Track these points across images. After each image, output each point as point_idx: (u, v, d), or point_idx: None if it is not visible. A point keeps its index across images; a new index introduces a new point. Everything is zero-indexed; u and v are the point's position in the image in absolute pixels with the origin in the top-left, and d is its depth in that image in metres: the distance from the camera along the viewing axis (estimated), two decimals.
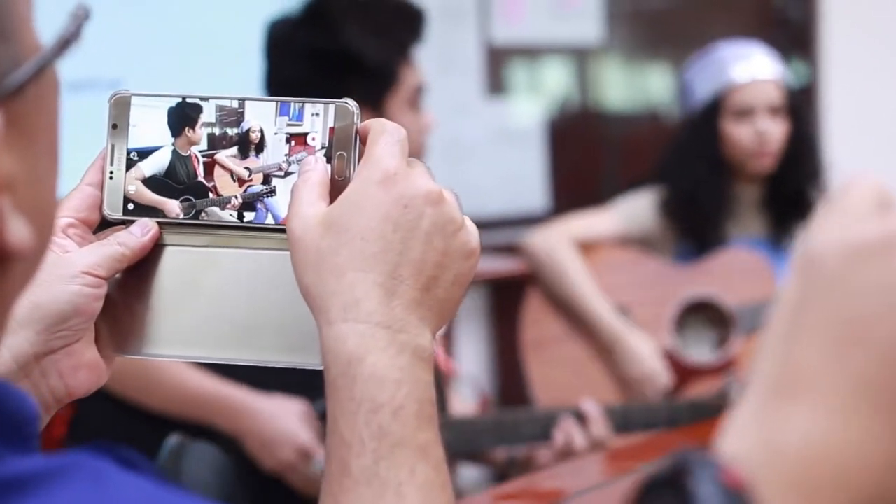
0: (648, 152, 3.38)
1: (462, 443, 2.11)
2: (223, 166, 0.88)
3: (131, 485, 0.57)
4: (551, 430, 2.14)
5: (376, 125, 0.84)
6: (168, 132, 0.88)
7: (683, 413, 2.24)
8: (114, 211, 0.89)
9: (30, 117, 0.59)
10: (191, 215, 0.88)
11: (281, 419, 1.99)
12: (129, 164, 0.89)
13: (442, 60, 4.13)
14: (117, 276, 0.88)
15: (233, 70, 3.08)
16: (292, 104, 0.87)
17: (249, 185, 0.88)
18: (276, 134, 0.87)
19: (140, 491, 0.57)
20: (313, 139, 0.87)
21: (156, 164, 0.88)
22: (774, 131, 2.74)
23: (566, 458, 2.11)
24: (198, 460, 1.96)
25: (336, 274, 0.80)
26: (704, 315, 2.76)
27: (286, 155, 0.87)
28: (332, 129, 0.86)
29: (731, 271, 2.74)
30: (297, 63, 2.16)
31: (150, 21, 3.54)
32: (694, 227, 2.79)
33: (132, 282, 0.89)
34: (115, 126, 0.89)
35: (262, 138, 0.87)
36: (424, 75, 2.27)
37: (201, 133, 0.88)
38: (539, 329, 2.80)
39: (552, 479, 2.04)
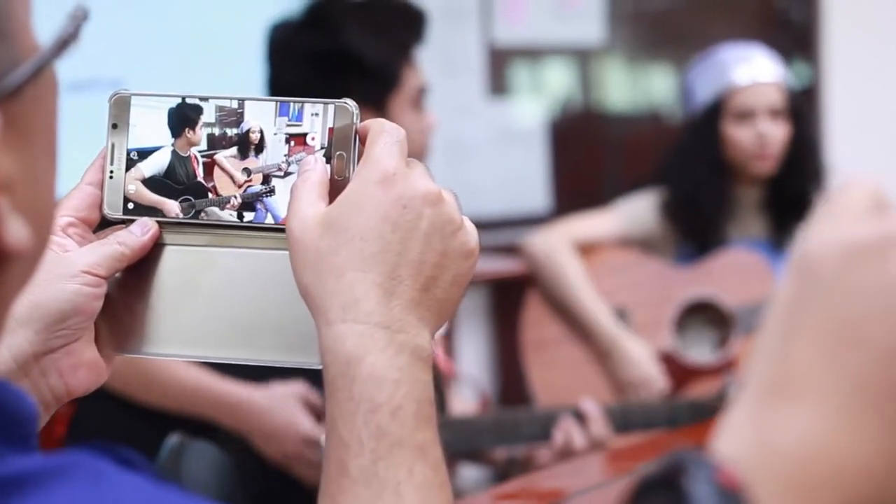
0: (650, 153, 3.39)
1: (462, 442, 2.11)
2: (222, 168, 0.88)
3: (129, 484, 0.58)
4: (551, 430, 2.14)
5: (375, 125, 0.84)
6: (168, 133, 0.88)
7: (683, 413, 2.24)
8: (114, 210, 0.89)
9: (28, 118, 0.59)
10: (190, 215, 0.88)
11: (280, 411, 1.98)
12: (130, 163, 0.89)
13: (444, 61, 4.13)
14: (117, 275, 0.88)
15: (233, 70, 3.09)
16: (292, 104, 0.87)
17: (249, 185, 0.88)
18: (275, 134, 0.87)
19: (138, 490, 0.58)
20: (313, 139, 0.87)
21: (155, 164, 0.89)
22: (775, 134, 2.74)
23: (566, 458, 2.11)
24: (198, 459, 1.96)
25: (335, 274, 0.80)
26: (704, 316, 2.76)
27: (286, 155, 0.87)
28: (331, 130, 0.87)
29: (731, 272, 2.74)
30: (298, 66, 2.16)
31: (151, 21, 3.54)
32: (694, 229, 2.79)
33: (132, 281, 0.89)
34: (115, 125, 0.89)
35: (262, 139, 0.87)
36: (426, 76, 2.27)
37: (201, 134, 0.88)
38: (539, 330, 2.80)
39: (552, 479, 2.04)
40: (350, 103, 0.87)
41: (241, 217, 0.88)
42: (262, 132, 0.87)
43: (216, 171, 0.88)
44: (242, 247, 0.88)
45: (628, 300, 2.78)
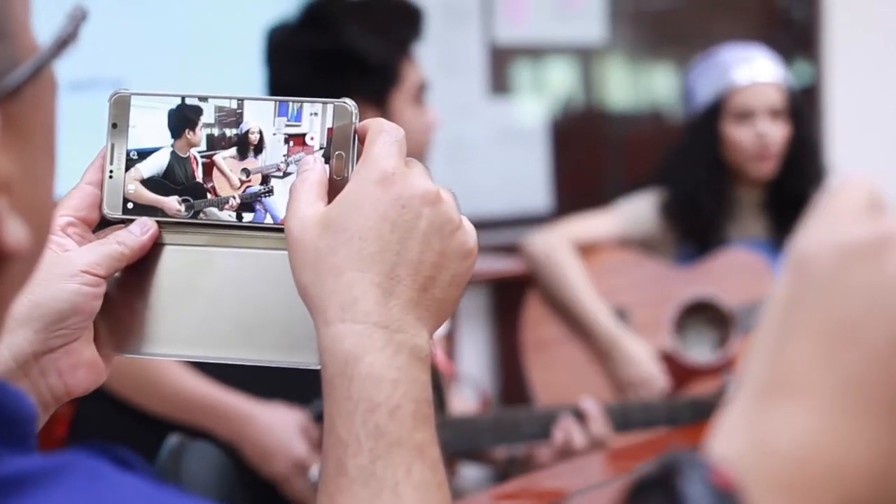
0: (652, 152, 3.38)
1: (462, 442, 2.11)
2: (220, 171, 0.88)
3: (127, 484, 0.58)
4: (551, 429, 2.14)
5: (374, 125, 0.84)
6: (168, 134, 0.88)
7: (683, 412, 2.24)
8: (113, 210, 0.89)
9: (27, 118, 0.59)
10: (190, 215, 0.88)
11: (277, 431, 1.98)
12: (129, 163, 0.89)
13: (445, 60, 4.13)
14: (116, 274, 0.88)
15: (234, 70, 3.09)
16: (291, 104, 0.87)
17: (248, 186, 0.88)
18: (274, 135, 0.87)
19: (136, 490, 0.58)
20: (312, 139, 0.87)
21: (154, 165, 0.89)
22: (775, 134, 2.74)
23: (566, 457, 2.11)
24: (198, 460, 1.96)
25: (334, 274, 0.80)
26: (704, 315, 2.76)
27: (284, 155, 0.87)
28: (330, 130, 0.87)
29: (731, 272, 2.74)
30: (298, 67, 2.16)
31: (151, 21, 3.55)
32: (694, 230, 2.79)
33: (131, 281, 0.89)
34: (114, 125, 0.89)
35: (261, 139, 0.88)
36: (427, 74, 2.27)
37: (201, 135, 0.88)
38: (540, 330, 2.80)
39: (552, 479, 2.04)
40: (349, 103, 0.87)
41: (240, 217, 0.88)
42: (261, 133, 0.87)
43: (215, 171, 0.88)
44: (242, 247, 0.88)
45: (628, 300, 2.79)
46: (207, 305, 0.88)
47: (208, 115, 0.88)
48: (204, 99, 0.88)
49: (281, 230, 0.84)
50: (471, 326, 4.14)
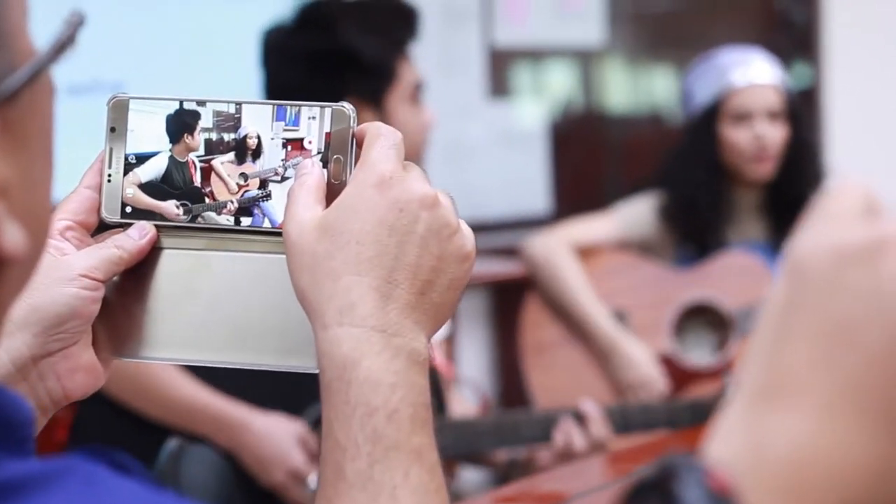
0: (651, 155, 3.39)
1: (462, 445, 2.11)
2: (219, 175, 0.88)
3: (125, 488, 0.58)
4: (551, 432, 2.14)
5: (372, 129, 0.84)
6: (166, 138, 0.88)
7: (683, 414, 2.24)
8: (111, 214, 0.89)
9: (24, 122, 0.59)
10: (188, 219, 0.88)
11: (274, 440, 1.98)
12: (128, 167, 0.89)
13: (444, 62, 4.13)
14: (115, 278, 0.88)
15: (233, 73, 3.09)
16: (289, 108, 0.87)
17: (246, 190, 0.88)
18: (272, 139, 0.87)
19: (133, 494, 0.58)
20: (310, 143, 0.87)
21: (152, 170, 0.89)
22: (773, 135, 2.74)
23: (566, 459, 2.11)
24: (197, 463, 1.96)
25: (331, 278, 0.80)
26: (703, 318, 2.76)
27: (282, 160, 0.87)
28: (328, 134, 0.87)
29: (730, 274, 2.74)
30: (295, 68, 2.17)
31: (151, 24, 3.55)
32: (693, 232, 2.79)
33: (129, 285, 0.89)
34: (113, 129, 0.89)
35: (259, 144, 0.88)
36: (425, 75, 2.28)
37: (199, 139, 0.88)
38: (539, 332, 2.80)
39: (553, 482, 2.04)
40: (347, 107, 0.87)
41: (238, 222, 0.88)
42: (259, 137, 0.88)
43: (213, 176, 0.88)
44: (240, 251, 0.88)
45: (627, 303, 2.79)
46: (205, 309, 0.88)
47: (206, 120, 0.88)
48: (202, 103, 0.88)
49: (279, 234, 0.84)
50: (470, 329, 4.14)
